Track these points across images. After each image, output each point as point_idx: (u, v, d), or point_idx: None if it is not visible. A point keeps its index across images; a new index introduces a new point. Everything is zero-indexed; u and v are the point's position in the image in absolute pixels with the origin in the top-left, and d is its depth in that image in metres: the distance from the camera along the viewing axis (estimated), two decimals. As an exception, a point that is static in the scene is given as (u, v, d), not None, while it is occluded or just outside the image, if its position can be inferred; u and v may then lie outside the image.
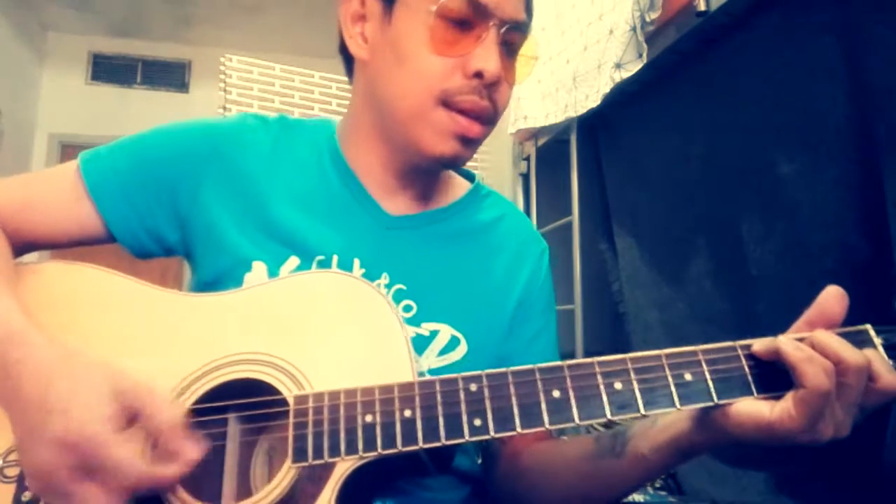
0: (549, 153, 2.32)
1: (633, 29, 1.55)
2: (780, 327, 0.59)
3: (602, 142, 2.07)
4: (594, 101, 1.77)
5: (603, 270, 2.08)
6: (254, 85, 2.63)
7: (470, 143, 0.73)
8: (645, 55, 1.55)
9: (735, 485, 1.45)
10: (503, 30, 0.71)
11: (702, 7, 1.38)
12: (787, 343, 0.54)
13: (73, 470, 0.51)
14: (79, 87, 4.86)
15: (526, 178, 2.49)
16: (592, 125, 2.05)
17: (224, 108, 2.56)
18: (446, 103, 0.71)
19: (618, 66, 1.62)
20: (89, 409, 0.52)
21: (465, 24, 0.70)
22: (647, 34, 1.54)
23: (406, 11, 0.72)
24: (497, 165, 2.69)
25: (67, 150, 4.68)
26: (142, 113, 4.77)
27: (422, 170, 0.79)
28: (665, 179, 1.74)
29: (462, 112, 0.71)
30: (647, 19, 1.52)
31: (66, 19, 4.65)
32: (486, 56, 0.69)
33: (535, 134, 2.34)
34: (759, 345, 0.56)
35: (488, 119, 0.74)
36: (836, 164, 1.16)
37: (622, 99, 1.78)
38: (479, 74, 0.70)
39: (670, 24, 1.52)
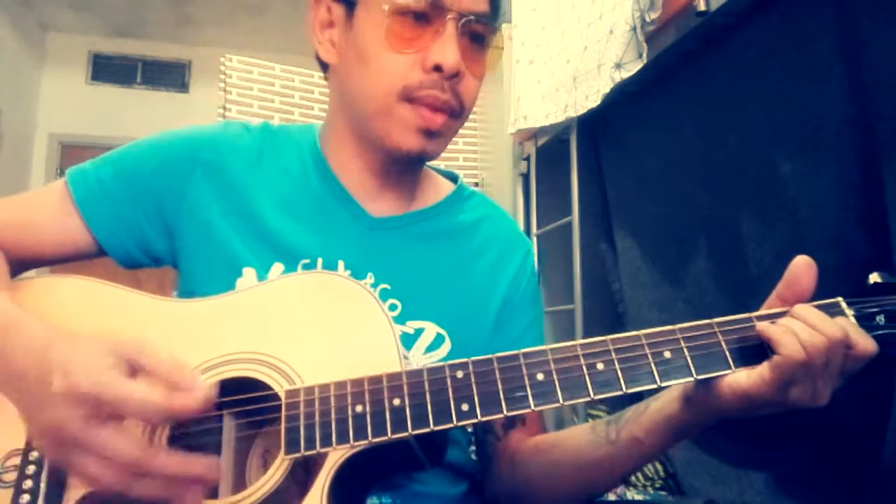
0: (549, 153, 2.32)
1: (633, 29, 1.55)
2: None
3: (602, 142, 2.07)
4: (594, 101, 1.77)
5: (603, 270, 2.08)
6: (254, 85, 2.63)
7: (435, 136, 0.74)
8: (645, 55, 1.55)
9: (735, 485, 1.45)
10: (462, 22, 0.71)
11: (702, 7, 1.38)
12: (765, 325, 0.57)
13: (85, 419, 0.50)
14: (79, 87, 4.85)
15: (526, 177, 2.48)
16: (592, 125, 2.04)
17: (224, 108, 2.55)
18: (409, 98, 0.72)
19: (618, 66, 1.61)
20: (90, 363, 0.52)
21: (422, 18, 0.71)
22: (647, 34, 1.54)
23: (365, 12, 0.73)
24: (497, 165, 2.69)
25: (67, 150, 4.66)
26: (142, 113, 4.77)
27: (397, 167, 0.80)
28: (665, 179, 1.74)
29: (425, 106, 0.72)
30: (647, 19, 1.51)
31: (66, 19, 4.65)
32: (443, 49, 0.70)
33: (535, 134, 2.34)
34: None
35: (453, 112, 0.74)
36: (836, 164, 1.16)
37: (622, 99, 1.78)
38: (437, 68, 0.70)
39: (670, 24, 1.52)
